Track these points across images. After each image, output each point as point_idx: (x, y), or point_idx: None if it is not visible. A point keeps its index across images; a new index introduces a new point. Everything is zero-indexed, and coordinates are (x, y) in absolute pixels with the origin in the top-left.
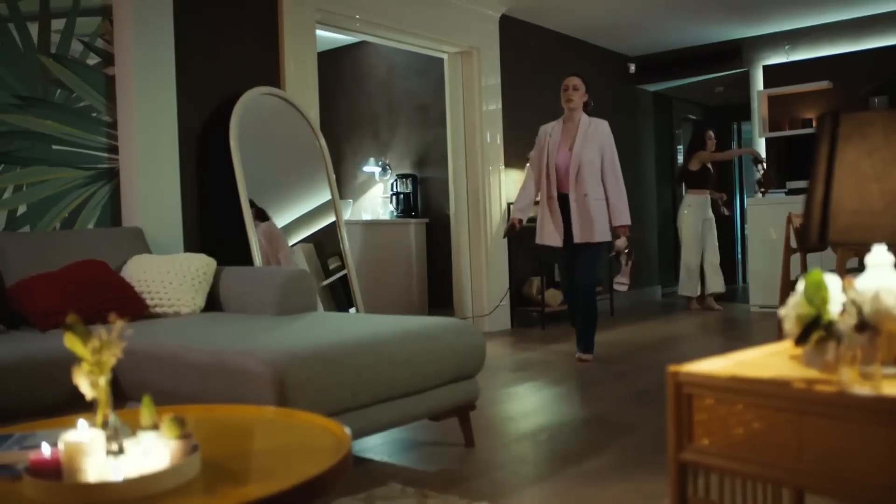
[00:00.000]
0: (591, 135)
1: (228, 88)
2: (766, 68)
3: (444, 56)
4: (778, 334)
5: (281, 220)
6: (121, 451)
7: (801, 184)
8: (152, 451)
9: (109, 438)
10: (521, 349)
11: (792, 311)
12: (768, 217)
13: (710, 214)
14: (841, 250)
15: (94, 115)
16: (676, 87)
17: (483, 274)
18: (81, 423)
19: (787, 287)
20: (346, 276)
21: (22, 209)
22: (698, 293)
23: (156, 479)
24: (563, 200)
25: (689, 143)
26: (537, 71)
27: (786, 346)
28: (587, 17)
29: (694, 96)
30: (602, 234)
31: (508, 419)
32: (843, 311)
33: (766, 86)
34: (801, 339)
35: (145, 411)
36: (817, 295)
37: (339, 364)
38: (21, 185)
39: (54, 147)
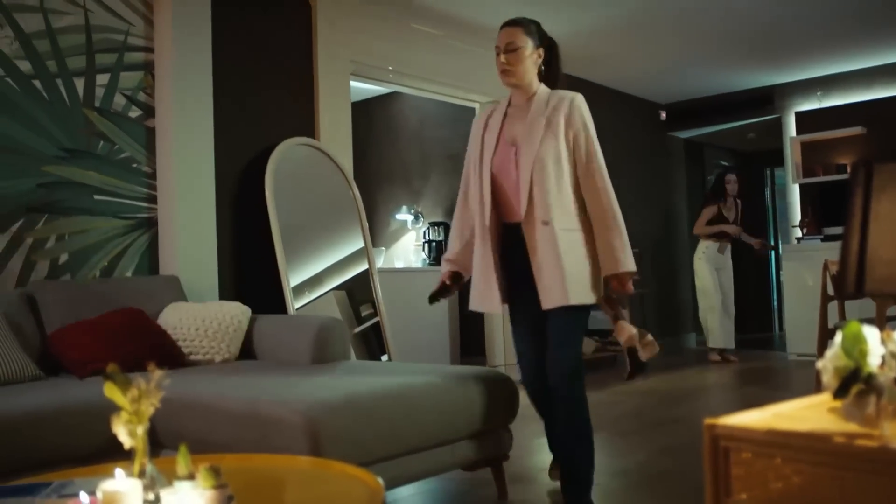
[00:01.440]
0: (552, 120)
1: (264, 139)
2: (798, 114)
3: (475, 105)
4: (816, 385)
5: (314, 267)
6: (157, 500)
7: (837, 230)
8: (188, 502)
9: (146, 488)
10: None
11: (830, 363)
12: (804, 263)
13: (726, 262)
14: (879, 300)
15: (135, 165)
16: (708, 133)
17: None
18: (119, 472)
19: (825, 335)
20: (378, 323)
21: (64, 258)
22: (720, 344)
23: None
24: (512, 233)
25: (711, 189)
26: None
27: (825, 399)
28: (616, 66)
29: (726, 142)
30: (581, 293)
31: (542, 470)
32: (883, 364)
33: (798, 132)
34: (839, 393)
35: (182, 461)
36: (856, 347)
37: (372, 414)
38: (63, 235)
39: (96, 197)
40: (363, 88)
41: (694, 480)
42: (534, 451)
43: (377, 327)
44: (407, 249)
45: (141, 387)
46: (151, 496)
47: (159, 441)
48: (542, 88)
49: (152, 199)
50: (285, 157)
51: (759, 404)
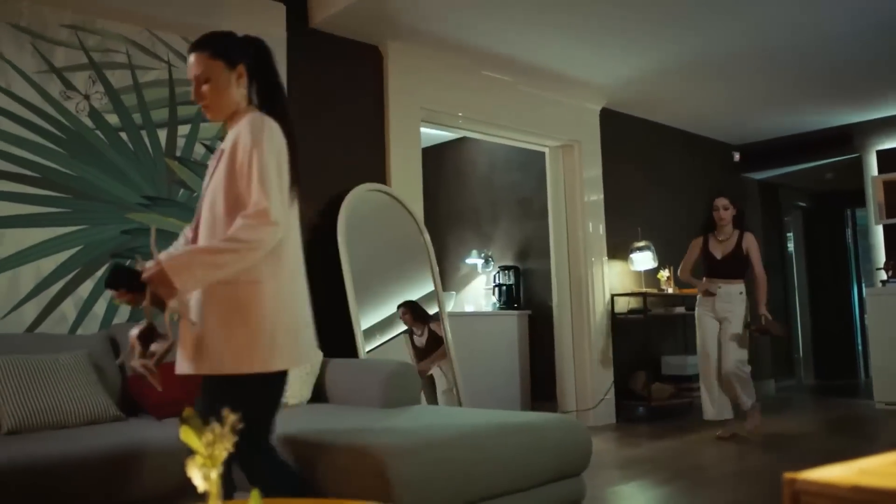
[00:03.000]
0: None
1: (337, 185)
2: (879, 153)
3: (546, 150)
4: None
5: (385, 311)
6: None
7: None
8: None
9: None
10: (628, 445)
11: None
12: (891, 307)
13: (731, 309)
14: None
15: None
16: (784, 174)
17: (587, 366)
18: None
19: None
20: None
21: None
22: (722, 416)
23: None
24: None
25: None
26: (639, 161)
27: None
28: (688, 108)
29: (802, 183)
30: (228, 361)
31: None
32: None
33: (880, 171)
34: None
35: None
36: None
37: (446, 459)
38: None
39: None
40: (433, 134)
41: None
42: (607, 500)
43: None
44: (477, 293)
45: (215, 431)
46: None
47: (233, 484)
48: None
49: None
50: (357, 202)
51: (843, 457)
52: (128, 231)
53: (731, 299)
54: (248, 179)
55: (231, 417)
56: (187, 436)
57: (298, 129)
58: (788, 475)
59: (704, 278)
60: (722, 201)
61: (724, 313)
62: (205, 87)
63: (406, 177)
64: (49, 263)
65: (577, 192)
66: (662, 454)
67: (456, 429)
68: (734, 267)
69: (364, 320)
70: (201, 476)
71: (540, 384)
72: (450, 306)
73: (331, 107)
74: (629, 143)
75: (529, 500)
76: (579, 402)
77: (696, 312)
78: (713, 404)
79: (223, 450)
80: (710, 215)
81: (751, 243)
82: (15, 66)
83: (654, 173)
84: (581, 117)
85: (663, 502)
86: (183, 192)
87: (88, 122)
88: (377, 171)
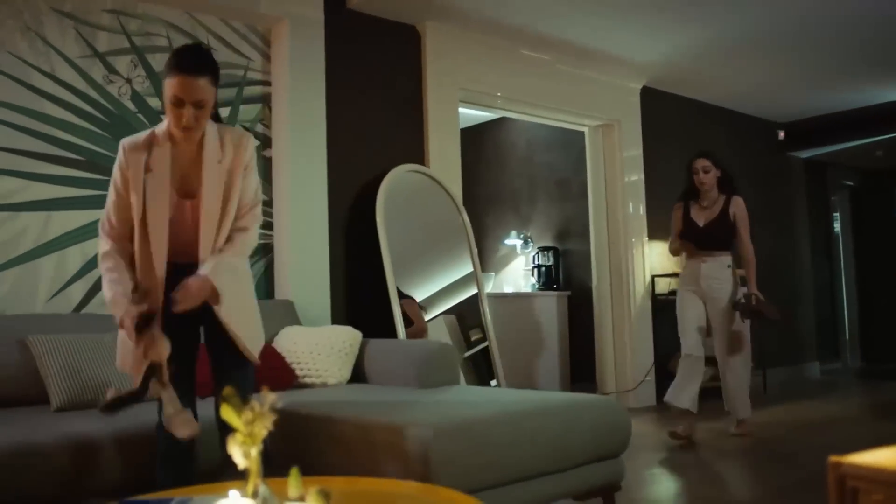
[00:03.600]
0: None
1: (375, 166)
2: None
3: (585, 129)
4: None
5: (424, 292)
6: None
7: None
8: None
9: None
10: (669, 426)
11: None
12: None
13: (719, 287)
14: None
15: None
16: (831, 152)
17: (627, 347)
18: (233, 493)
19: None
20: (487, 348)
21: None
22: (686, 405)
23: None
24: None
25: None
26: (680, 141)
27: None
28: (731, 86)
29: (851, 161)
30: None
31: (656, 502)
32: None
33: None
34: None
35: (293, 483)
36: None
37: (483, 440)
38: None
39: None
40: (472, 115)
41: None
42: (647, 482)
43: (486, 352)
44: (516, 274)
45: (255, 409)
46: None
47: (275, 462)
48: (210, 125)
49: (269, 226)
50: (395, 183)
51: (890, 442)
52: None
53: (718, 274)
54: (247, 189)
55: (271, 396)
56: (227, 414)
57: (338, 111)
58: (834, 458)
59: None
60: (701, 162)
61: (711, 292)
62: (200, 112)
63: (444, 157)
64: (94, 245)
65: (618, 171)
66: (705, 435)
67: (495, 409)
68: (720, 236)
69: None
70: (241, 453)
71: (579, 366)
72: (489, 287)
73: (369, 88)
74: (670, 122)
75: (568, 480)
76: (619, 383)
77: (678, 291)
78: (682, 391)
79: (262, 428)
80: (690, 180)
81: (739, 209)
82: (59, 51)
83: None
84: (621, 96)
85: (704, 483)
86: None
87: (131, 106)
88: (416, 152)
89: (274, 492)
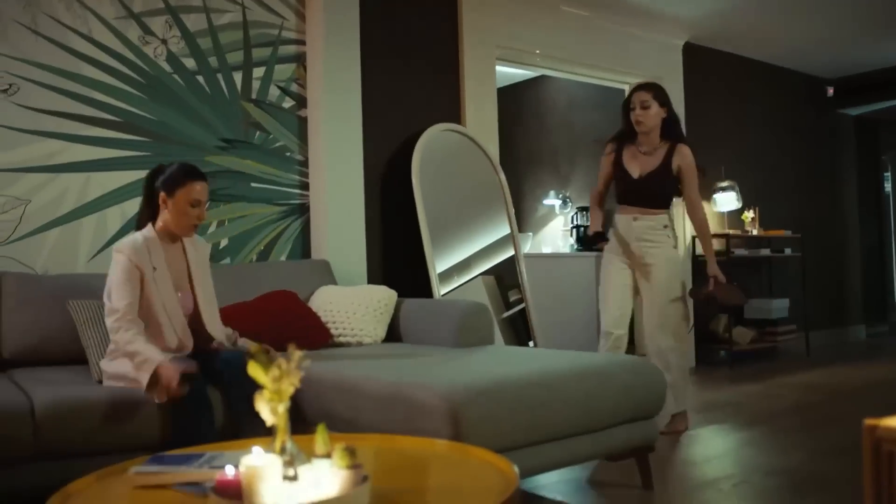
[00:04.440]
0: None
1: (411, 126)
2: None
3: (625, 87)
4: None
5: (462, 252)
6: (295, 477)
7: None
8: (324, 480)
9: (286, 464)
10: (707, 389)
11: None
12: None
13: (653, 253)
14: None
15: (288, 154)
16: (883, 109)
17: None
18: (256, 449)
19: None
20: (525, 308)
21: (224, 242)
22: None
23: None
24: None
25: None
26: (723, 98)
27: None
28: (778, 40)
29: None
30: None
31: (690, 464)
32: None
33: None
34: None
35: (320, 440)
36: None
37: (514, 400)
38: (224, 221)
39: (253, 185)
40: (510, 73)
41: (857, 487)
42: (681, 443)
43: (524, 313)
44: (555, 235)
45: (282, 367)
46: (291, 472)
47: (307, 419)
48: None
49: (305, 186)
50: (431, 143)
51: None
52: (206, 174)
53: (653, 235)
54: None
55: (298, 353)
56: (255, 371)
57: (373, 69)
58: (870, 422)
59: (618, 206)
60: (640, 96)
61: (643, 257)
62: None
63: (481, 116)
64: (133, 206)
65: None
66: (742, 399)
67: (528, 369)
68: (658, 191)
69: (441, 262)
70: (269, 410)
71: None
72: (526, 247)
73: (404, 46)
74: (713, 78)
75: (601, 440)
76: None
77: (604, 254)
78: None
79: (290, 385)
80: (625, 118)
81: (685, 160)
82: (95, 13)
83: (740, 110)
84: (663, 53)
85: (741, 446)
86: (259, 135)
87: (166, 67)
88: (452, 112)
89: (302, 448)
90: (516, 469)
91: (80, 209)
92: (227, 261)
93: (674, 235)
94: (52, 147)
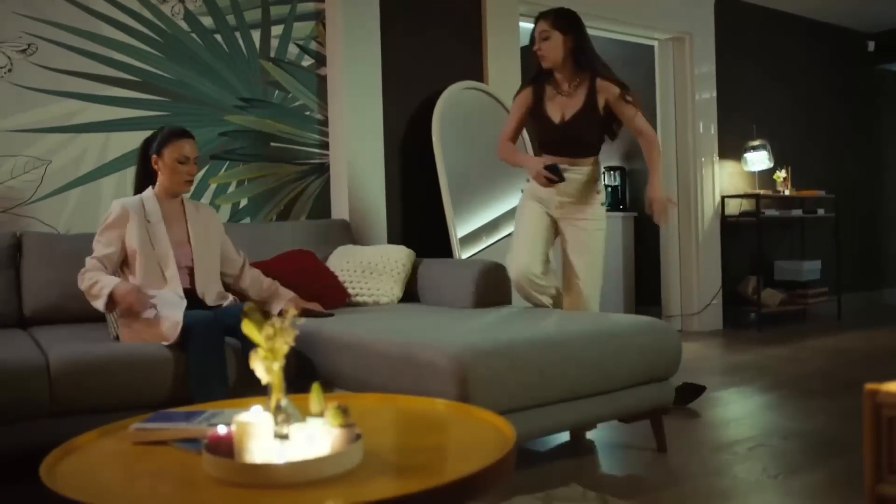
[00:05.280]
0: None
1: (431, 84)
2: None
3: (655, 43)
4: None
5: (489, 212)
6: (286, 435)
7: None
8: (316, 438)
9: (279, 422)
10: (732, 351)
11: None
12: None
13: (578, 208)
14: None
15: (308, 113)
16: None
17: (693, 271)
18: (255, 407)
19: None
20: None
21: (244, 202)
22: None
23: (316, 464)
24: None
25: None
26: (757, 54)
27: None
28: None
29: None
30: None
31: (708, 426)
32: None
33: None
34: None
35: (314, 398)
36: None
37: (523, 361)
38: (243, 181)
39: (272, 144)
40: None
41: None
42: (701, 406)
43: None
44: None
45: (275, 325)
46: (284, 430)
47: (325, 379)
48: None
49: (324, 146)
50: (452, 101)
51: None
52: (225, 133)
53: (577, 191)
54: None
55: (292, 311)
56: (249, 329)
57: (393, 26)
58: (870, 386)
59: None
60: (539, 26)
61: (566, 213)
62: (195, 167)
63: (504, 74)
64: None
65: (688, 88)
66: (767, 362)
67: (537, 330)
68: (583, 136)
69: (466, 222)
70: (264, 368)
71: (645, 288)
72: None
73: (425, 2)
74: (746, 34)
75: (614, 402)
76: (685, 307)
77: (521, 200)
78: None
79: (284, 343)
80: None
81: (610, 91)
82: None
83: (774, 66)
84: (694, 7)
85: (761, 409)
86: (278, 94)
87: (184, 25)
88: (474, 69)
89: (299, 407)
90: (514, 429)
91: (99, 169)
92: (247, 220)
93: (603, 190)
94: (72, 107)
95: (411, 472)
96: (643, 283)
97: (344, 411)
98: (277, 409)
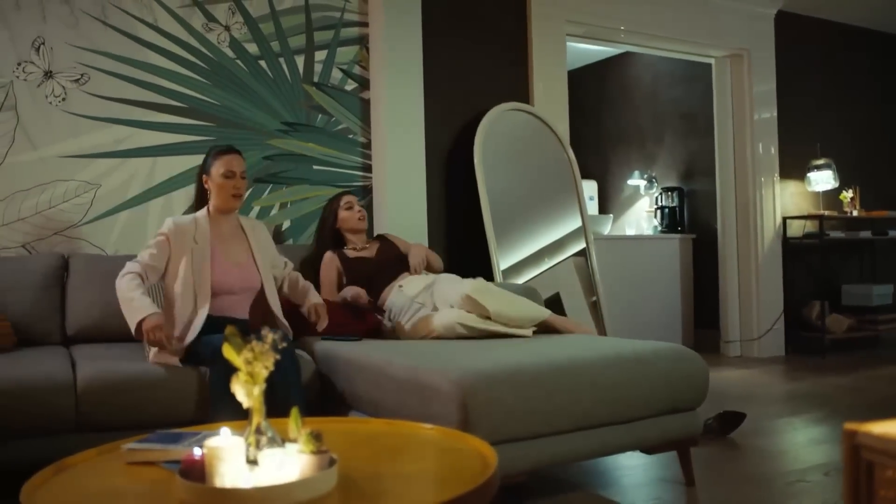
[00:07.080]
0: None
1: (475, 105)
2: None
3: (712, 61)
4: None
5: (537, 235)
6: (255, 461)
7: None
8: (287, 463)
9: (252, 446)
10: (791, 379)
11: None
12: None
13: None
14: None
15: (351, 136)
16: None
17: (753, 294)
18: (224, 430)
19: None
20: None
21: (286, 224)
22: None
23: (285, 489)
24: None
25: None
26: (819, 70)
27: None
28: (879, 1)
29: None
30: None
31: (746, 459)
32: None
33: None
34: None
35: (292, 424)
36: None
37: (529, 387)
38: (286, 203)
39: (315, 167)
40: (594, 50)
41: None
42: (743, 435)
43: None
44: (639, 216)
45: (255, 349)
46: (252, 455)
47: (345, 402)
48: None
49: (368, 169)
50: (496, 123)
51: None
52: (269, 157)
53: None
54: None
55: (272, 336)
56: (229, 353)
57: (436, 48)
58: (849, 426)
59: None
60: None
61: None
62: (244, 182)
63: (550, 95)
64: None
65: (746, 107)
66: (827, 390)
67: (549, 356)
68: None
69: (510, 245)
70: (244, 392)
71: (703, 312)
72: (606, 230)
73: (468, 23)
74: (808, 49)
75: (634, 432)
76: (744, 331)
77: None
78: None
79: (263, 368)
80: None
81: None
82: (160, 2)
83: (837, 82)
84: (753, 23)
85: (813, 442)
86: (321, 118)
87: (229, 53)
88: (519, 91)
89: (280, 432)
90: (497, 458)
91: (146, 192)
92: (290, 242)
93: None
94: (120, 133)
95: (381, 499)
96: (701, 307)
97: (317, 437)
98: (258, 433)
